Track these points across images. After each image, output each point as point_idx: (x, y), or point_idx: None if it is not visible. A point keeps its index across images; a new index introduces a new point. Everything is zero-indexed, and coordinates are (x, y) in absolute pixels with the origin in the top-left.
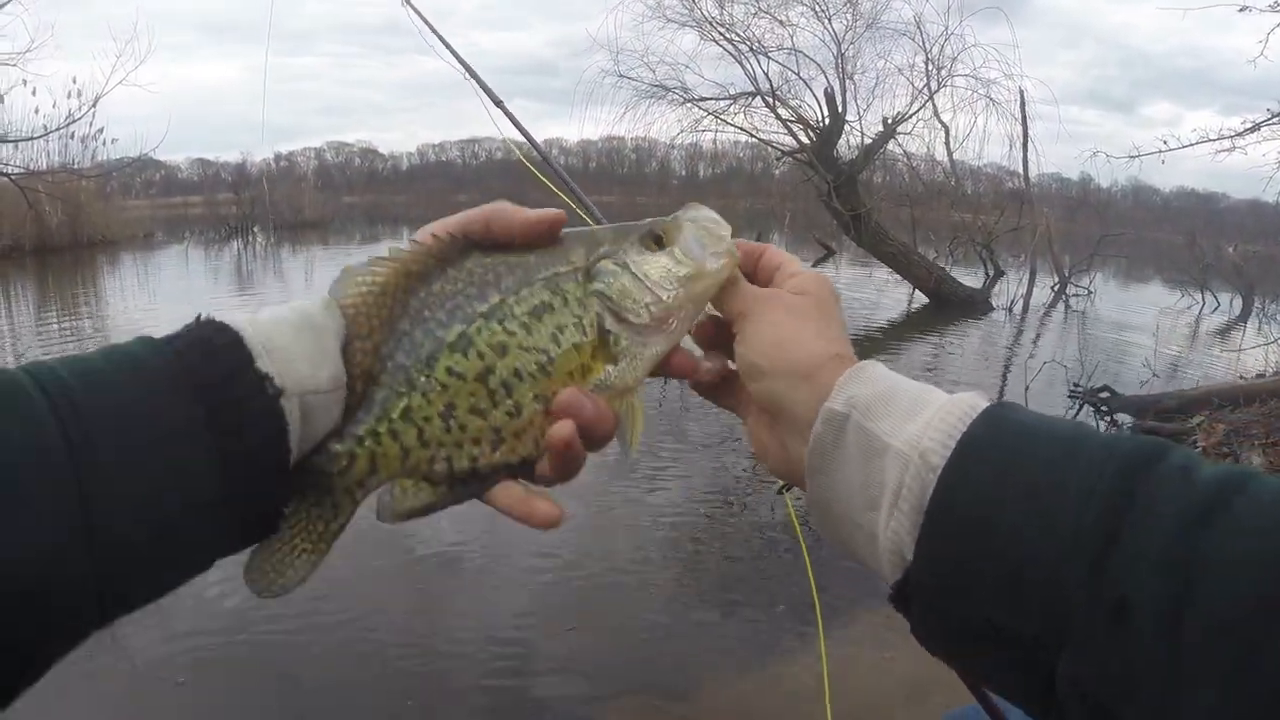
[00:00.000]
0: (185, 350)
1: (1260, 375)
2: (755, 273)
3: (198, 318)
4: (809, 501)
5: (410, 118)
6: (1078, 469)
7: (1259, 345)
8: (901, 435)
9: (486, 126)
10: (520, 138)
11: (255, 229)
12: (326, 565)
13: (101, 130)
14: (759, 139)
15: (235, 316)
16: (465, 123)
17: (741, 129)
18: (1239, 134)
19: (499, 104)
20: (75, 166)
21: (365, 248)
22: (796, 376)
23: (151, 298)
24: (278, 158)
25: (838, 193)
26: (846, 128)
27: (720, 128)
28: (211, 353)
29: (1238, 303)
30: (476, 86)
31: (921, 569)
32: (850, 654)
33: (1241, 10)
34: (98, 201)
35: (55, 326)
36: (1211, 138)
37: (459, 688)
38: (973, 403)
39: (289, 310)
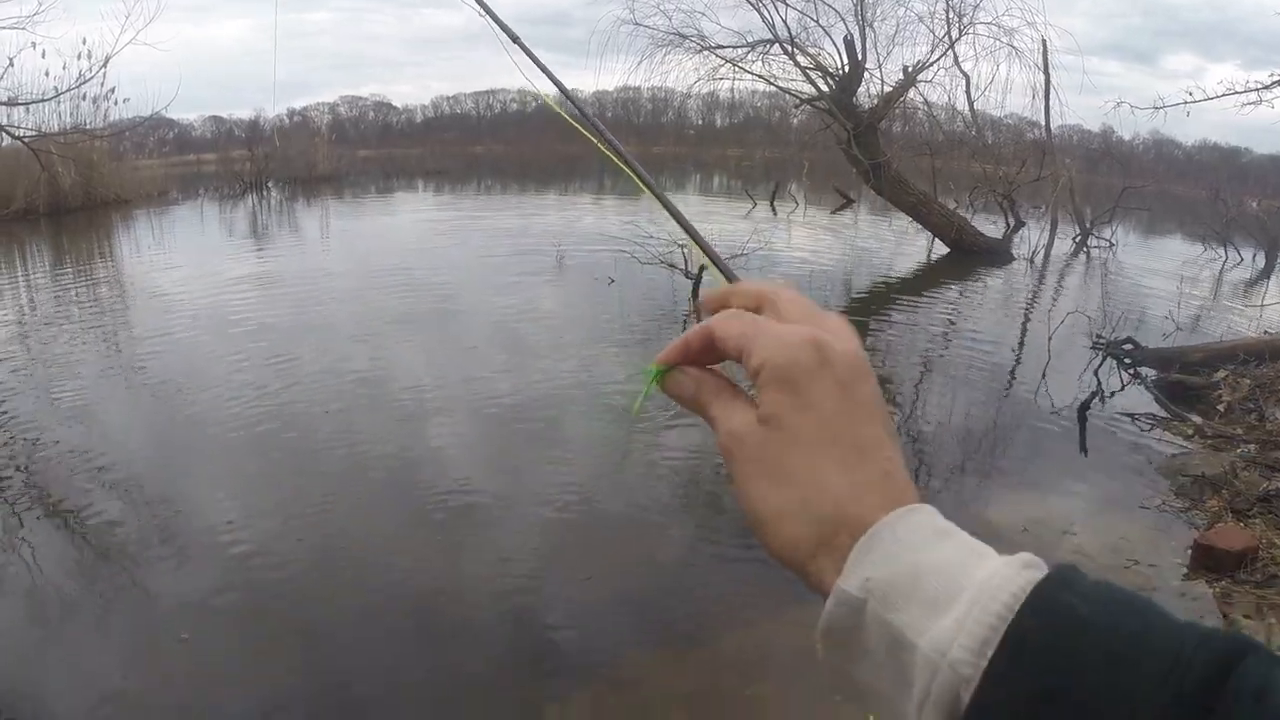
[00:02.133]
0: None
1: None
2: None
3: None
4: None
5: (424, 70)
6: (1139, 687)
7: None
8: (928, 635)
9: (501, 77)
10: (540, 79)
11: (269, 184)
12: (335, 513)
13: (113, 90)
14: (777, 87)
15: None
16: (480, 74)
17: (759, 77)
18: (1266, 86)
19: (515, 39)
20: (87, 127)
21: (380, 200)
22: (805, 551)
23: (167, 254)
24: (291, 113)
25: (857, 141)
26: (866, 75)
27: (738, 76)
28: None
29: (1260, 258)
30: (490, 21)
31: None
32: None
33: None
34: (111, 161)
35: (71, 287)
36: (1238, 90)
37: (472, 636)
38: (1020, 584)
39: None
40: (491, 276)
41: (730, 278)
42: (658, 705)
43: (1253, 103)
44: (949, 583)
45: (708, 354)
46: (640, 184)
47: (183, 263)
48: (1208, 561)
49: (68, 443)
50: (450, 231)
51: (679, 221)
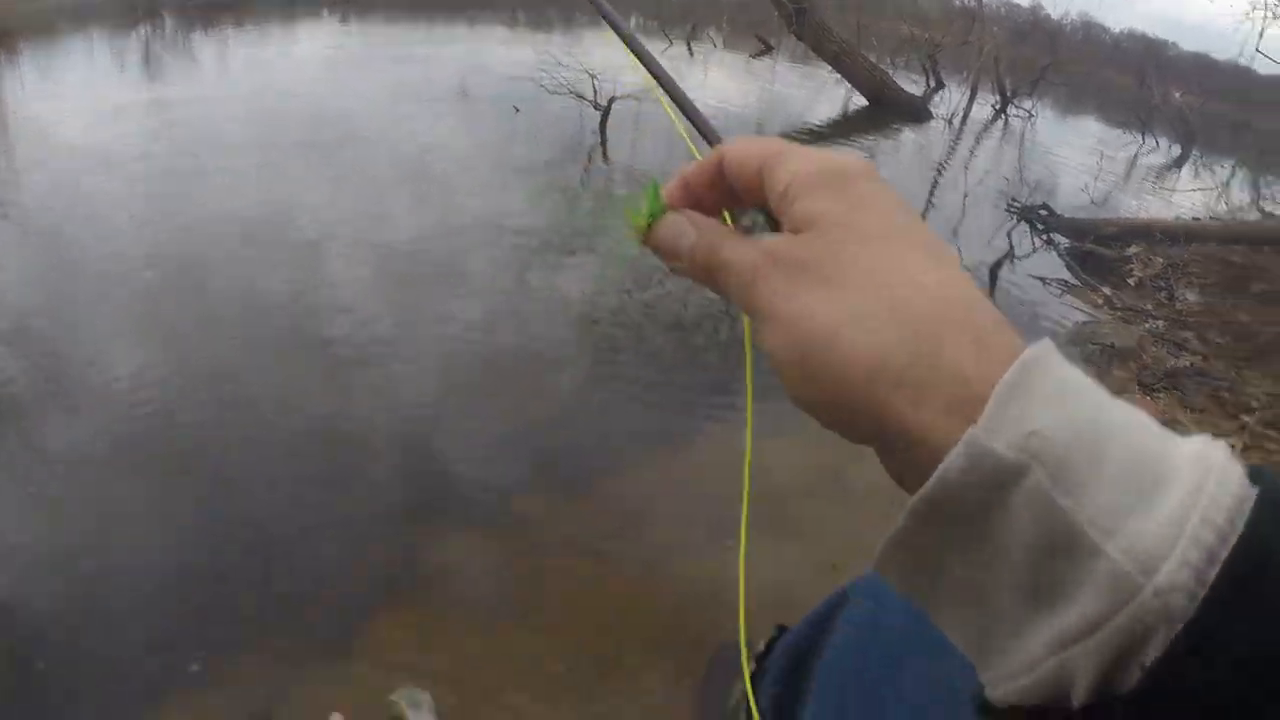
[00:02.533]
0: None
1: (1196, 219)
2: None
3: None
4: (891, 540)
5: None
6: None
7: (1196, 189)
8: (1123, 538)
9: None
10: None
11: (164, 12)
12: (229, 354)
13: None
14: None
15: None
16: None
17: None
18: None
19: None
20: None
21: (282, 28)
22: (890, 374)
23: (49, 87)
24: None
25: None
26: None
27: None
28: None
29: (1176, 148)
30: None
31: None
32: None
33: None
34: None
35: None
36: None
37: (366, 476)
38: (1240, 477)
39: None
40: (394, 106)
41: (712, 139)
42: (542, 548)
43: None
44: (1147, 459)
45: (711, 194)
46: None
47: (66, 98)
48: None
49: None
50: (353, 61)
51: (639, 58)
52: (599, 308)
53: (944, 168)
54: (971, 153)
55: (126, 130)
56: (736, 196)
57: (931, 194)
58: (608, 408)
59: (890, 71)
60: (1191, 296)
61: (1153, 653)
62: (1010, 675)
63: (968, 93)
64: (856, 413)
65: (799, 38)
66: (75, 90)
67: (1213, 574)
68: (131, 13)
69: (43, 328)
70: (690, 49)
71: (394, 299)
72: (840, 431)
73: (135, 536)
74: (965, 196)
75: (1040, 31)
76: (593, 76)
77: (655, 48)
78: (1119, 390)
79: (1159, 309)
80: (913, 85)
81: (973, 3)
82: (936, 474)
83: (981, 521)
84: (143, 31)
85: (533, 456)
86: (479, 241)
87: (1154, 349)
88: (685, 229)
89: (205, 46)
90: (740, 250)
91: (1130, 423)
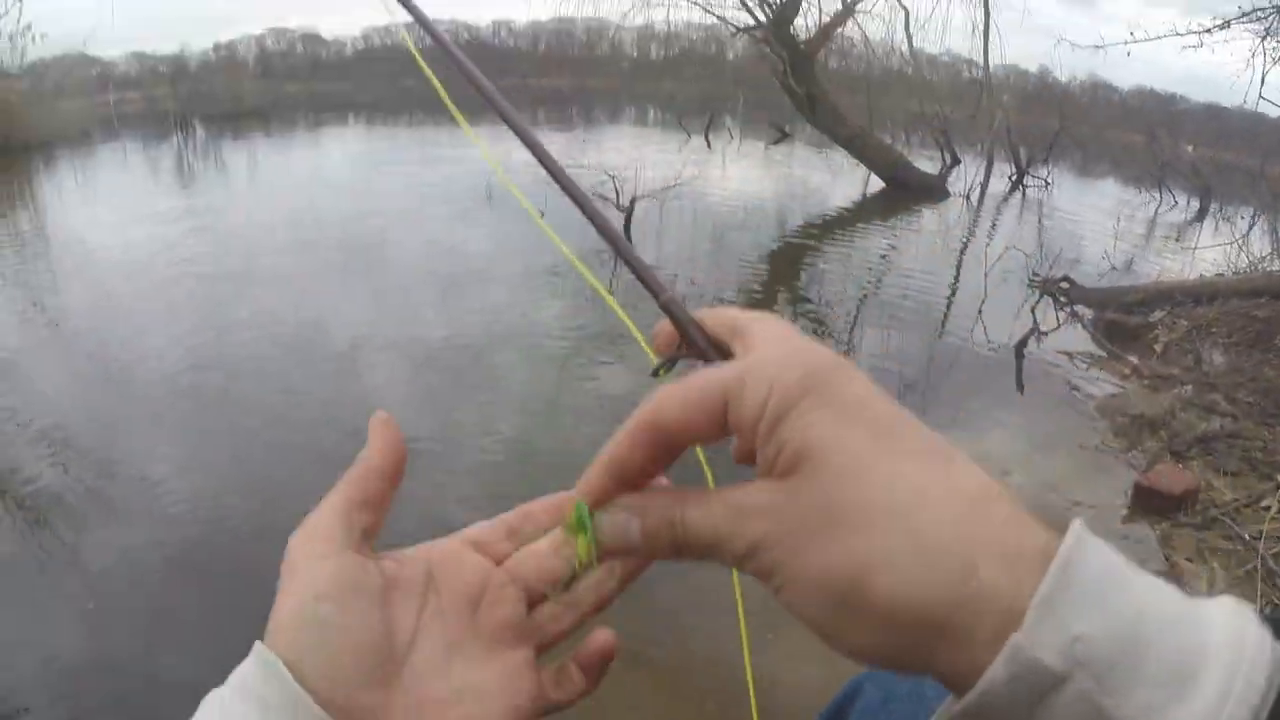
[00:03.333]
0: None
1: (1220, 275)
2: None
3: None
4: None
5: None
6: None
7: (1216, 245)
8: None
9: (433, 8)
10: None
11: (195, 122)
12: (267, 460)
13: (29, 27)
14: (713, 14)
15: None
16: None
17: (695, 2)
18: (1208, 30)
19: None
20: (3, 66)
21: (310, 136)
22: (940, 610)
23: (89, 198)
24: (216, 47)
25: (794, 72)
26: (804, 5)
27: (673, 4)
28: None
29: (1194, 203)
30: None
31: None
32: None
33: None
34: (30, 103)
35: None
36: (1180, 32)
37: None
38: (1271, 650)
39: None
40: (422, 211)
41: (657, 293)
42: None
43: (1194, 46)
44: (1185, 652)
45: (655, 459)
46: (523, 142)
47: (105, 205)
48: (1149, 503)
49: None
50: (381, 165)
51: (585, 212)
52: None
53: (965, 246)
54: (992, 228)
55: (162, 236)
56: (675, 449)
57: (956, 276)
58: None
59: (906, 149)
60: (1218, 357)
61: None
62: None
63: (983, 165)
64: (904, 655)
65: (813, 125)
66: (111, 198)
67: None
68: (163, 122)
69: (80, 429)
70: (709, 141)
71: (429, 405)
72: (884, 668)
73: (177, 642)
74: (986, 275)
75: (1049, 95)
76: (613, 177)
77: (673, 143)
78: (1153, 460)
79: (1186, 373)
80: (929, 162)
81: (980, 73)
82: (979, 686)
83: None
84: (175, 140)
85: None
86: (511, 345)
87: (1183, 415)
88: (625, 523)
89: (236, 154)
90: (714, 514)
91: (1167, 614)
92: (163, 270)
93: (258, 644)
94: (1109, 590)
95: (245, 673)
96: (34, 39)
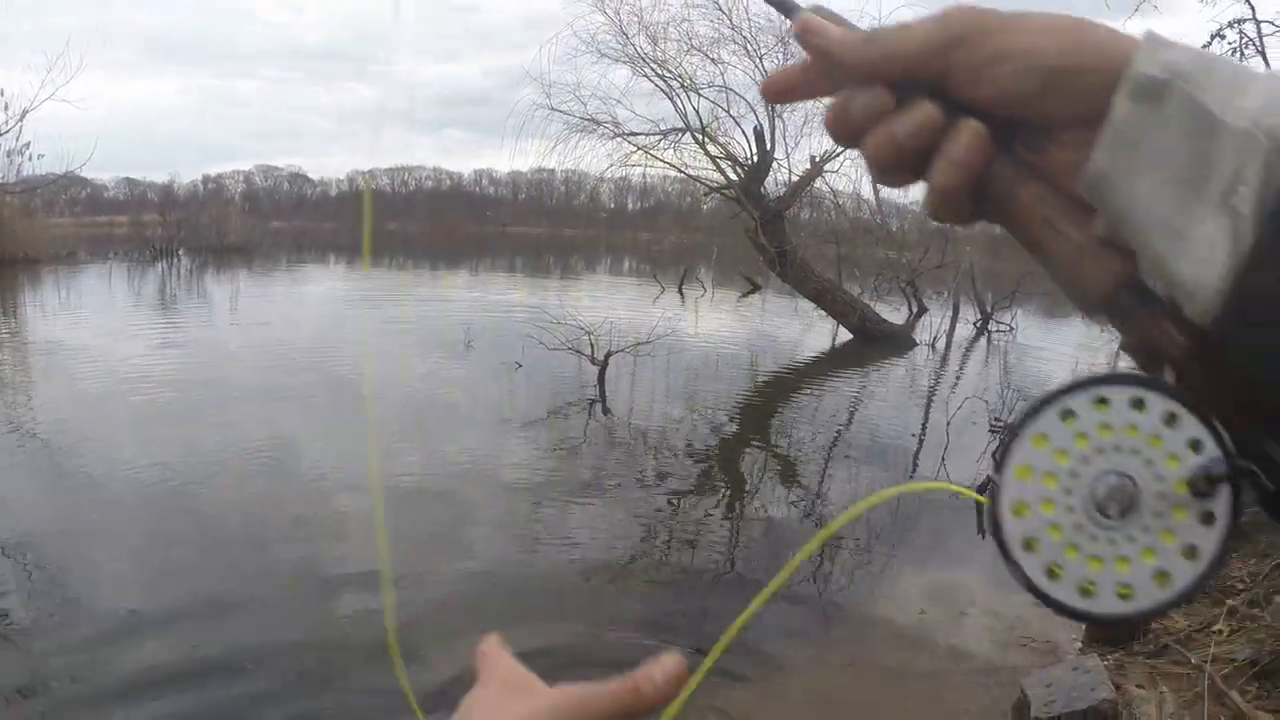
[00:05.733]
0: None
1: None
2: None
3: None
4: (1088, 187)
5: (342, 144)
6: None
7: None
8: (1237, 110)
9: (416, 155)
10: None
11: (180, 251)
12: (235, 594)
13: (28, 145)
14: (688, 174)
15: None
16: (397, 151)
17: (671, 164)
18: None
19: None
20: None
21: (291, 273)
22: (1076, 68)
23: (72, 318)
24: (205, 180)
25: (764, 229)
26: (775, 165)
27: (650, 163)
28: None
29: None
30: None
31: (1260, 271)
32: None
33: None
34: (20, 218)
35: None
36: None
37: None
38: None
39: None
40: (398, 362)
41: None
42: None
43: None
44: (1238, 69)
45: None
46: None
47: (88, 327)
48: (1101, 635)
49: None
50: (359, 308)
51: None
52: (609, 550)
53: (931, 394)
54: (957, 376)
55: (142, 368)
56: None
57: (924, 424)
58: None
59: (874, 299)
60: None
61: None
62: (1183, 272)
63: (949, 313)
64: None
65: (783, 279)
66: (93, 316)
67: None
68: (149, 247)
69: (48, 548)
70: (682, 294)
71: (399, 543)
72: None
73: None
74: (949, 424)
75: (1011, 242)
76: (588, 333)
77: (647, 294)
78: None
79: None
80: (896, 312)
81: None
82: (1114, 108)
83: (1147, 134)
84: (159, 267)
85: None
86: (486, 498)
87: None
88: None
89: (219, 285)
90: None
91: (1218, 56)
92: (138, 394)
93: None
94: (1178, 45)
95: None
96: (30, 157)
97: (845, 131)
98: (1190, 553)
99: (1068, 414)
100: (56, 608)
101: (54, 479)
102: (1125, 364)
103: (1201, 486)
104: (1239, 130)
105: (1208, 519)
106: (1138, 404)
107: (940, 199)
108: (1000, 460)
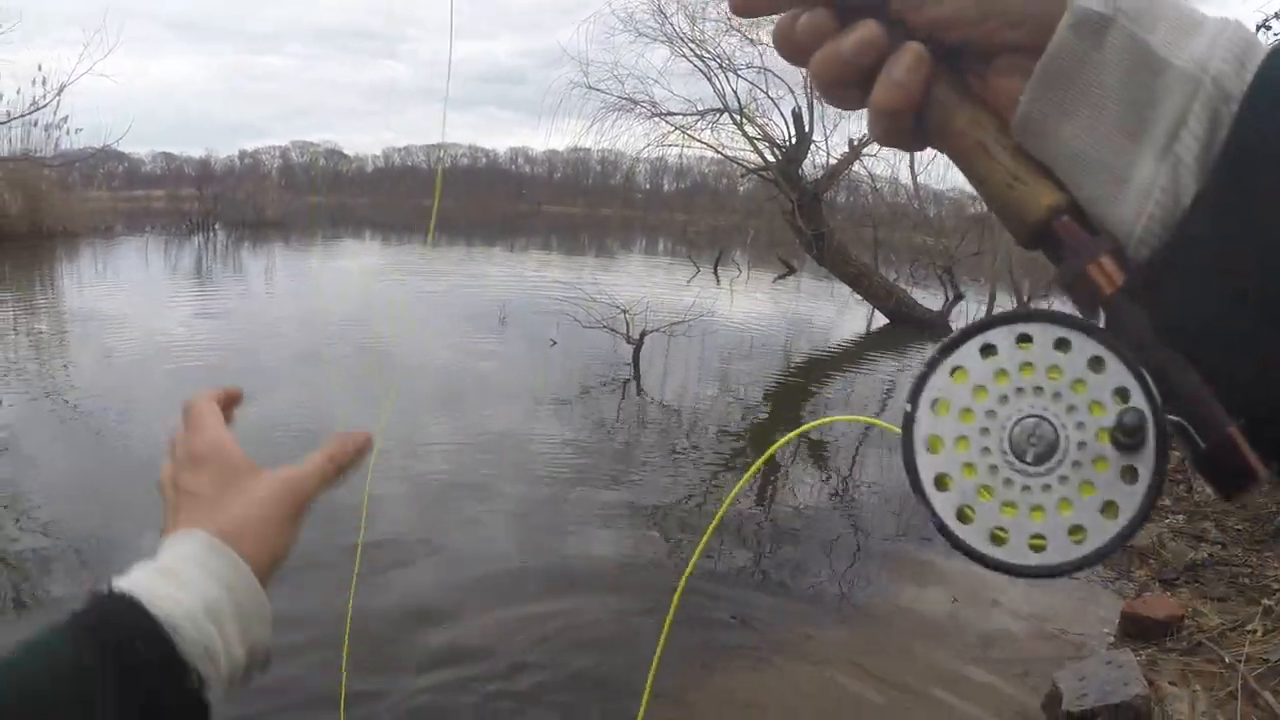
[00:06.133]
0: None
1: None
2: None
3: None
4: (1020, 121)
5: (376, 121)
6: None
7: None
8: (1183, 53)
9: (452, 133)
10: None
11: (216, 225)
12: None
13: (65, 119)
14: (725, 155)
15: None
16: (432, 128)
17: (708, 145)
18: None
19: None
20: (37, 155)
21: (327, 249)
22: None
23: (109, 290)
24: (242, 155)
25: (801, 211)
26: (812, 148)
27: (687, 143)
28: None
29: None
30: None
31: (1201, 220)
32: None
33: None
34: (59, 191)
35: (10, 314)
36: None
37: (394, 689)
38: (1251, 34)
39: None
40: (434, 333)
41: None
42: None
43: None
44: (1185, 13)
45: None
46: None
47: (124, 299)
48: (1135, 630)
49: None
50: (394, 284)
51: None
52: (639, 528)
53: None
54: None
55: (178, 341)
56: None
57: None
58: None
59: (910, 285)
60: (1209, 486)
61: (1224, 131)
62: (1123, 213)
63: (986, 300)
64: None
65: (819, 262)
66: (132, 296)
67: (1252, 66)
68: (185, 222)
69: (80, 518)
70: (717, 275)
71: (428, 518)
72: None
73: None
74: None
75: None
76: (624, 312)
77: (682, 275)
78: (1141, 588)
79: (1178, 503)
80: (932, 298)
81: (983, 209)
82: (1054, 37)
83: (1087, 61)
84: (196, 241)
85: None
86: (509, 471)
87: (1173, 543)
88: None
89: (255, 259)
90: None
91: None
92: (172, 366)
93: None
94: None
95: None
96: (68, 131)
97: (791, 49)
98: (1110, 509)
99: (988, 349)
100: (86, 575)
101: (86, 446)
102: (1060, 303)
103: (1124, 439)
104: (1184, 72)
105: (1130, 475)
106: (1063, 345)
107: (882, 120)
108: (915, 390)
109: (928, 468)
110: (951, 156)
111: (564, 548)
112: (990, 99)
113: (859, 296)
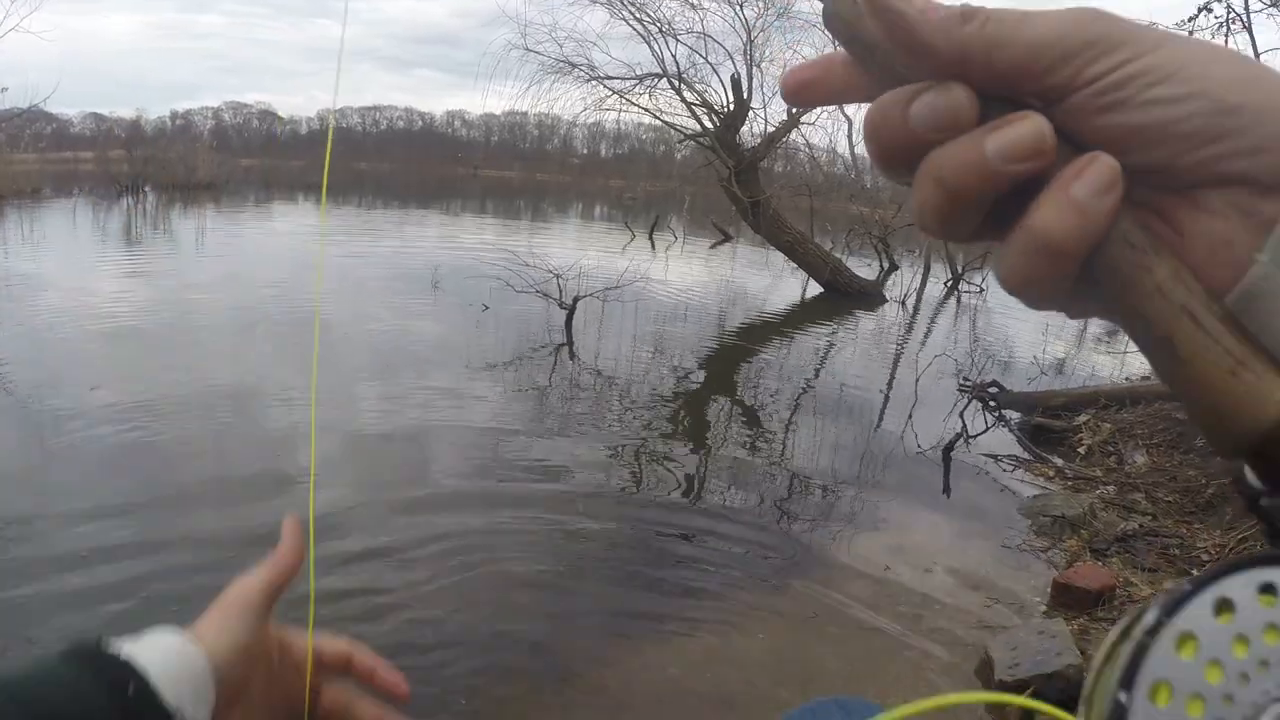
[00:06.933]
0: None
1: (1145, 378)
2: None
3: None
4: (1249, 288)
5: (310, 82)
6: None
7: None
8: None
9: (387, 94)
10: None
11: (147, 188)
12: (190, 538)
13: None
14: (663, 121)
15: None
16: (367, 90)
17: (646, 110)
18: None
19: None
20: None
21: (259, 211)
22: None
23: (33, 252)
24: (174, 116)
25: (738, 179)
26: (751, 115)
27: (625, 108)
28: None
29: None
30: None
31: None
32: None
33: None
34: None
35: None
36: None
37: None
38: None
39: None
40: (365, 297)
41: None
42: None
43: None
44: None
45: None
46: None
47: (48, 261)
48: (1066, 599)
49: None
50: (326, 250)
51: None
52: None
53: (900, 351)
54: (926, 333)
55: (102, 303)
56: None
57: (891, 380)
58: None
59: (845, 255)
60: (1140, 458)
61: None
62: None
63: (920, 271)
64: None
65: (755, 230)
66: (57, 258)
67: None
68: (115, 184)
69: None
70: (652, 241)
71: (356, 487)
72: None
73: None
74: (917, 381)
75: None
76: (557, 276)
77: (618, 242)
78: (1072, 558)
79: (1109, 474)
80: (867, 268)
81: None
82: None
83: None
84: (125, 203)
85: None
86: (448, 441)
87: (1105, 514)
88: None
89: (185, 221)
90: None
91: None
92: (96, 330)
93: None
94: None
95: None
96: None
97: (894, 140)
98: None
99: (1224, 605)
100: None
101: (13, 415)
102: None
103: None
104: None
105: None
106: None
107: (1042, 259)
108: (1130, 671)
109: None
110: (1133, 322)
111: (496, 521)
112: (1179, 247)
113: (794, 265)
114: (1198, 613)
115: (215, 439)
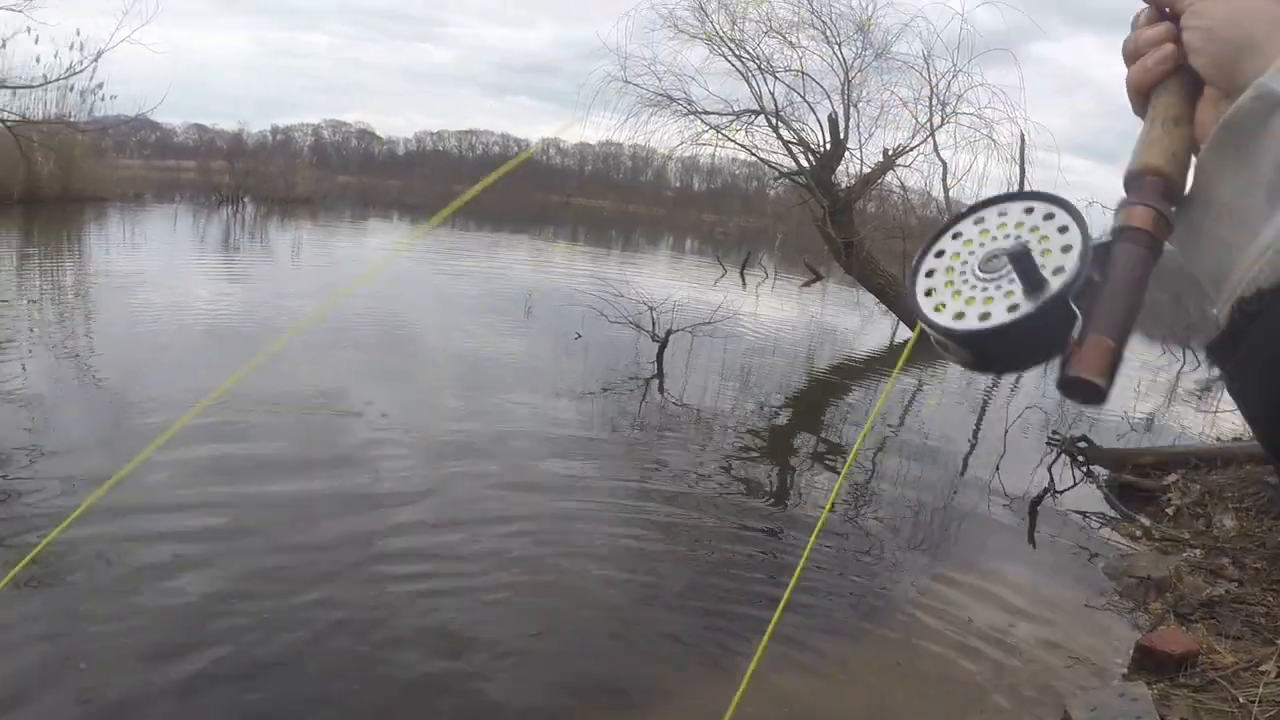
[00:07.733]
0: None
1: (1237, 439)
2: None
3: None
4: (1201, 157)
5: (409, 103)
6: None
7: (1235, 409)
8: None
9: (484, 119)
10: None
11: (246, 199)
12: (274, 566)
13: (101, 86)
14: (759, 158)
15: None
16: (464, 114)
17: (742, 146)
18: None
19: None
20: (72, 119)
21: (354, 229)
22: (1244, 47)
23: (136, 256)
24: (274, 130)
25: (832, 219)
26: (847, 155)
27: (721, 143)
28: None
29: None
30: None
31: None
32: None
33: None
34: (91, 156)
35: (36, 275)
36: None
37: (413, 687)
38: None
39: None
40: (458, 320)
41: None
42: None
43: None
44: None
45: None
46: None
47: (150, 266)
48: (1148, 663)
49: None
50: (421, 269)
51: None
52: (647, 524)
53: (988, 400)
54: (1016, 382)
55: (200, 310)
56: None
57: (977, 429)
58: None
59: None
60: (1229, 521)
61: None
62: (1253, 258)
63: None
64: (1218, 60)
65: (847, 270)
66: (158, 263)
67: None
68: (215, 194)
69: (95, 474)
70: (743, 277)
71: (445, 506)
72: (1223, 64)
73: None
74: (1006, 431)
75: None
76: (650, 309)
77: (708, 276)
78: (1157, 621)
79: (1197, 537)
80: None
81: None
82: (1236, 103)
83: (1251, 140)
84: (224, 213)
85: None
86: (528, 460)
87: (1190, 578)
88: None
89: (282, 233)
90: None
91: None
92: (194, 335)
93: None
94: None
95: None
96: (103, 98)
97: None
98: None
99: (979, 220)
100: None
101: (100, 412)
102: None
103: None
104: None
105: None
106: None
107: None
108: (924, 248)
109: (920, 287)
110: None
111: (575, 543)
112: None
113: (884, 307)
114: (969, 221)
115: (291, 436)
